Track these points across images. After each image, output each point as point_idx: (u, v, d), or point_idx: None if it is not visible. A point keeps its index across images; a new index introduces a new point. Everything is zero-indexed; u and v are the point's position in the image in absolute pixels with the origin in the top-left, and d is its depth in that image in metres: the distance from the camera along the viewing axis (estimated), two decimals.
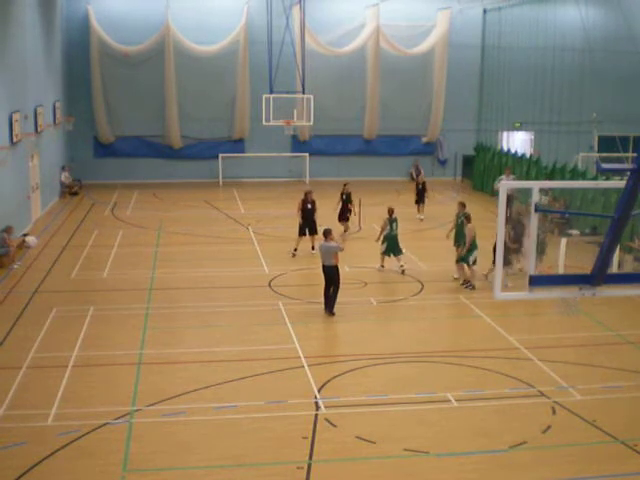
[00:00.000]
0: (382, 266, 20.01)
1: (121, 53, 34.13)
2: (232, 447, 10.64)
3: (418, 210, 27.24)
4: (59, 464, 10.04)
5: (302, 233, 21.62)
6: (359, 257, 21.23)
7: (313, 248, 21.49)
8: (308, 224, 21.64)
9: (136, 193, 32.53)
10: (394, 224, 19.78)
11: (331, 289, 16.37)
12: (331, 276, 16.30)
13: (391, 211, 19.99)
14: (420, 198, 27.38)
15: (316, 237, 21.38)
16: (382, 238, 19.78)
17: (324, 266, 16.38)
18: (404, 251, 20.18)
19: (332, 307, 16.30)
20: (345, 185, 24.20)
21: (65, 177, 32.15)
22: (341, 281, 16.49)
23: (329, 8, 35.61)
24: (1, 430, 10.94)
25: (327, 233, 16.46)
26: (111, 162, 35.33)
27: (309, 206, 21.66)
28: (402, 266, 19.75)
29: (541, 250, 17.37)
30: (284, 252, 21.85)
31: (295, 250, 21.37)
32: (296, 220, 21.89)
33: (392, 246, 19.71)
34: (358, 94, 36.34)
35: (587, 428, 11.26)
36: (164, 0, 34.03)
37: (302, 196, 22.07)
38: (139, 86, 34.75)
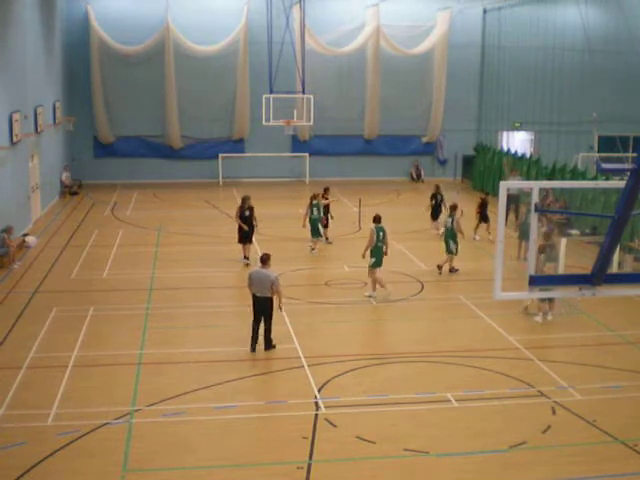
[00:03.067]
0: (313, 249, 22.00)
1: (122, 54, 34.14)
2: (232, 447, 10.64)
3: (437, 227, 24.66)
4: (59, 464, 10.04)
5: (241, 241, 20.64)
6: (359, 257, 21.21)
7: (245, 257, 20.55)
8: (245, 231, 20.50)
9: (136, 193, 32.55)
10: (314, 209, 21.80)
11: (260, 323, 14.22)
12: (263, 309, 14.09)
13: (313, 197, 22.10)
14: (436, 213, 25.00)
15: (249, 246, 20.61)
16: (308, 221, 22.09)
17: (255, 296, 14.12)
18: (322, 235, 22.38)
19: (269, 342, 14.20)
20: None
21: (65, 177, 32.17)
22: (273, 315, 14.27)
23: (329, 8, 35.64)
24: (1, 430, 10.94)
25: (264, 259, 14.32)
26: (111, 162, 35.36)
27: (247, 213, 20.47)
28: (313, 249, 22.01)
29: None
30: (284, 252, 21.84)
31: (246, 258, 20.40)
32: (236, 225, 20.75)
33: (314, 228, 21.93)
34: (358, 94, 36.37)
35: (587, 428, 11.26)
36: (164, 0, 34.05)
37: (240, 202, 20.97)
38: (139, 86, 34.78)
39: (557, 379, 13.00)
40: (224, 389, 12.49)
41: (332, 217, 23.68)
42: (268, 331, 14.21)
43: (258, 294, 14.09)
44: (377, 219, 17.78)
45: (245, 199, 20.81)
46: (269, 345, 14.24)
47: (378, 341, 14.87)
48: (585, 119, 35.67)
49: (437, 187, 25.33)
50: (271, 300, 14.09)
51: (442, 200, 24.67)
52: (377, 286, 17.57)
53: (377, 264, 17.47)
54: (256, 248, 22.35)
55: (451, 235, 19.65)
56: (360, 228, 24.80)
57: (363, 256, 17.70)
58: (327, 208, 23.27)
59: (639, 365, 13.81)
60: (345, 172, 36.65)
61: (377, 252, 17.46)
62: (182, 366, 13.49)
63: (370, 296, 17.54)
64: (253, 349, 14.12)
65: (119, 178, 35.05)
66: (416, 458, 10.35)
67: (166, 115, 35.15)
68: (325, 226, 23.05)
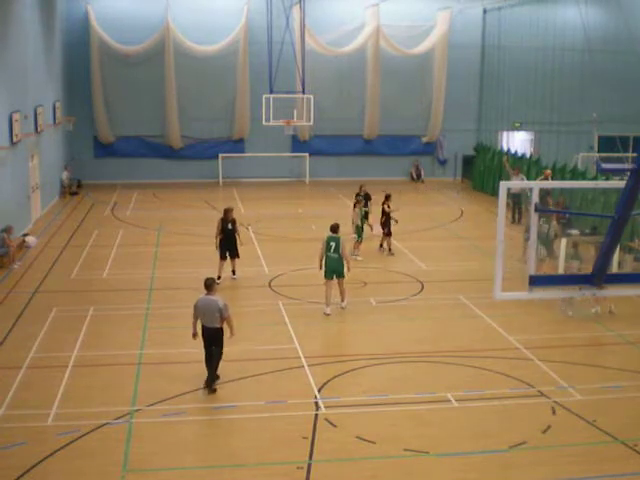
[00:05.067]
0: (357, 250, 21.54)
1: (122, 54, 34.15)
2: (232, 447, 10.64)
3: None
4: (59, 464, 10.04)
5: (223, 257, 18.85)
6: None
7: (234, 273, 19.00)
8: (228, 246, 18.83)
9: (136, 193, 32.54)
10: (362, 203, 22.06)
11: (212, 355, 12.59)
12: (213, 341, 12.45)
13: (361, 190, 22.48)
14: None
15: (237, 261, 19.04)
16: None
17: (204, 327, 12.48)
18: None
19: (212, 380, 12.40)
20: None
21: (65, 176, 32.18)
22: (224, 349, 12.61)
23: (329, 8, 35.63)
24: (1, 430, 10.94)
25: (209, 284, 12.73)
26: (111, 162, 35.36)
27: (229, 226, 18.78)
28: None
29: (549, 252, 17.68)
30: (284, 252, 21.88)
31: (219, 278, 18.08)
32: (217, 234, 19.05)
33: (360, 228, 21.71)
34: (358, 94, 36.38)
35: (587, 428, 11.26)
36: (164, 0, 34.06)
37: (221, 214, 19.27)
38: (139, 86, 34.77)
39: (557, 379, 13.00)
40: (224, 389, 12.48)
41: (396, 221, 22.18)
42: (216, 366, 12.52)
43: (206, 324, 12.45)
44: (332, 228, 16.69)
45: (227, 211, 19.02)
46: (211, 383, 12.36)
47: (378, 341, 14.87)
48: (585, 119, 35.65)
49: (361, 187, 23.52)
50: (222, 331, 12.48)
51: (368, 198, 22.95)
52: (345, 296, 16.82)
53: (327, 275, 16.42)
54: (257, 249, 22.40)
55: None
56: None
57: (319, 267, 16.78)
58: (387, 215, 21.96)
59: (639, 365, 13.81)
60: (345, 172, 36.63)
61: (328, 263, 16.47)
62: (182, 366, 13.48)
63: (341, 307, 16.78)
64: (212, 389, 12.37)
65: (119, 178, 35.05)
66: (416, 458, 10.35)
67: (166, 115, 35.15)
68: (387, 234, 21.91)
